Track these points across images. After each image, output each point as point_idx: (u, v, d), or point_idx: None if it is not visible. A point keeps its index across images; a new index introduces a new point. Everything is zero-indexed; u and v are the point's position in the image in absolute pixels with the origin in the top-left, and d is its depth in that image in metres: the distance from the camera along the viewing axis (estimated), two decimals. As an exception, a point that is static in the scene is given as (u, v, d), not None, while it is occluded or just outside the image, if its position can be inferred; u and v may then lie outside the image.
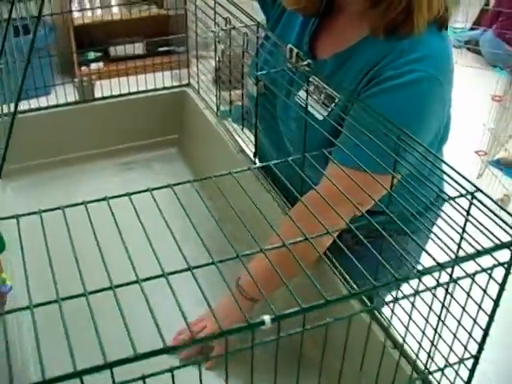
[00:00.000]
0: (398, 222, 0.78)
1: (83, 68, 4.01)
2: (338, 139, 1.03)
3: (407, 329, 0.82)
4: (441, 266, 0.65)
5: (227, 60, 1.54)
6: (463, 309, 0.73)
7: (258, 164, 0.84)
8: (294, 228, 0.75)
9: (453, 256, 0.72)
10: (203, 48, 2.00)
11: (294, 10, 1.24)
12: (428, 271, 0.64)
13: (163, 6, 4.15)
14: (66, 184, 1.72)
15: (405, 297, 0.68)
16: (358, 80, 1.12)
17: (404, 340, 0.86)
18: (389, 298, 0.98)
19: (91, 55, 4.14)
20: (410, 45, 1.07)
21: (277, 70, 1.09)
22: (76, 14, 3.95)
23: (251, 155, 1.53)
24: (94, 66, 4.04)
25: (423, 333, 0.80)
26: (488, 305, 0.72)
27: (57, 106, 1.72)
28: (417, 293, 0.65)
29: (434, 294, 0.74)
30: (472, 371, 0.79)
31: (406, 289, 0.74)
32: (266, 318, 0.54)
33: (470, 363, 0.79)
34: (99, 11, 3.96)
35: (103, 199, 0.71)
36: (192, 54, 1.92)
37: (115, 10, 4.19)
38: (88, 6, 4.09)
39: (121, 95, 1.78)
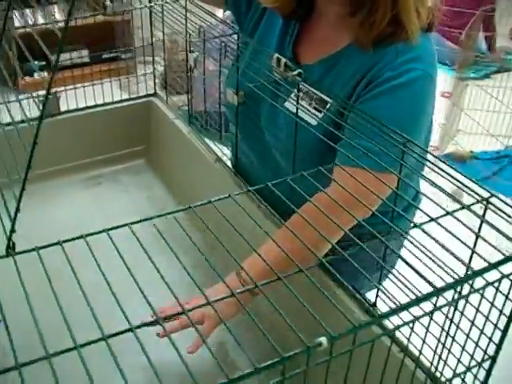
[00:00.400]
0: (416, 225, 0.78)
1: (27, 78, 3.89)
2: (338, 142, 1.02)
3: (435, 353, 0.82)
4: (471, 276, 0.65)
5: (200, 67, 1.52)
6: (487, 318, 0.73)
7: (256, 187, 0.82)
8: (304, 222, 0.75)
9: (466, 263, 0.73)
10: (150, 53, 1.96)
11: (271, 9, 1.23)
12: (464, 280, 0.64)
13: (106, 12, 4.06)
14: (33, 202, 1.65)
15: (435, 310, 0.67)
16: (353, 83, 1.12)
17: (433, 365, 0.86)
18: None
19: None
20: (404, 45, 1.09)
21: (269, 81, 1.08)
22: (17, 24, 3.81)
23: (229, 163, 1.52)
24: (38, 75, 3.92)
25: (449, 350, 0.81)
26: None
27: (22, 121, 1.64)
28: (452, 303, 0.65)
29: (458, 309, 0.75)
30: (489, 371, 0.80)
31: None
32: (323, 339, 0.53)
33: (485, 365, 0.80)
34: (41, 20, 3.85)
35: (80, 237, 0.67)
36: (139, 60, 1.89)
37: (58, 17, 4.08)
38: (30, 16, 3.96)
39: (88, 107, 1.73)
